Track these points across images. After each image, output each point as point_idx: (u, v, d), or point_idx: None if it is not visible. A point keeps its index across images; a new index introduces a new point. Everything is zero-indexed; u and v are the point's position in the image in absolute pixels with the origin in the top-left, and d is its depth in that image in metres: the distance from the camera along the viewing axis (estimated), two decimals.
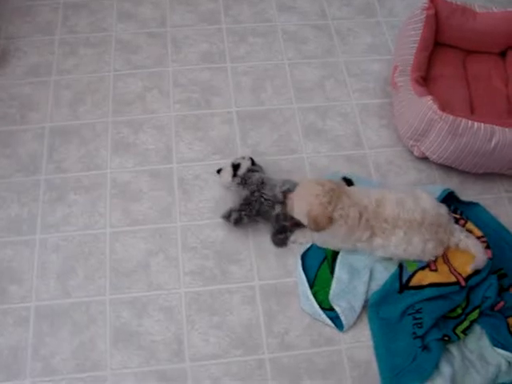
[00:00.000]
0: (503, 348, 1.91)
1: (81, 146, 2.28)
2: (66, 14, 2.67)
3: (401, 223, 1.94)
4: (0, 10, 2.65)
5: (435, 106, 2.06)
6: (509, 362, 1.91)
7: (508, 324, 1.95)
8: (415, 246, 1.95)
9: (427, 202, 2.00)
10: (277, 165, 2.25)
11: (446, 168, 2.25)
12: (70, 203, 2.15)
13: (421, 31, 2.29)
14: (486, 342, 1.94)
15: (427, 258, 1.99)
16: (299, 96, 2.44)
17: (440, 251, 2.00)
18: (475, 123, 2.04)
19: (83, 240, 2.08)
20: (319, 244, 2.07)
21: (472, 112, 2.31)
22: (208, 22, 2.64)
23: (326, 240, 2.04)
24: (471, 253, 2.00)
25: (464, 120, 2.04)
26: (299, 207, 1.94)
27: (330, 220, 1.89)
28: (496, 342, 1.93)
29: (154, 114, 2.37)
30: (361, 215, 1.92)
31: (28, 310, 1.94)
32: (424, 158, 2.26)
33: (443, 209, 2.02)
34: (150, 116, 2.36)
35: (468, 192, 2.21)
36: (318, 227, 1.91)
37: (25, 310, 1.94)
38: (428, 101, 2.08)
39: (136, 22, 2.63)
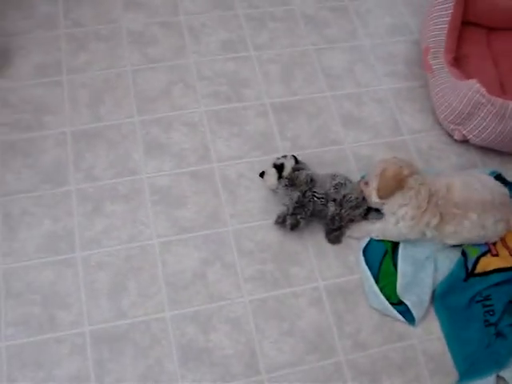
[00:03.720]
0: None
1: (108, 150, 2.10)
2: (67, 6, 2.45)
3: (473, 205, 1.91)
4: None
5: (483, 90, 2.03)
6: None
7: None
8: (489, 229, 1.93)
9: (491, 182, 2.00)
10: (320, 158, 2.16)
11: (486, 150, 2.24)
12: (108, 214, 1.98)
13: (451, 10, 2.24)
14: None
15: (494, 238, 1.99)
16: (330, 83, 2.35)
17: (505, 231, 1.99)
18: None
19: (130, 254, 1.92)
20: (380, 236, 2.00)
21: (503, 91, 2.31)
22: (222, 7, 2.48)
23: (390, 229, 1.97)
24: None
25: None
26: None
27: (401, 183, 1.87)
28: None
29: (183, 111, 2.21)
30: (431, 196, 1.90)
31: (83, 336, 1.78)
32: (463, 141, 2.24)
33: (505, 189, 2.03)
34: (179, 112, 2.20)
35: (509, 172, 2.20)
36: (387, 188, 1.88)
37: (79, 336, 1.78)
38: (475, 84, 2.05)
39: (145, 11, 2.43)
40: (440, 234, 1.95)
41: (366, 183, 1.98)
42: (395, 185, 1.90)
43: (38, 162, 2.06)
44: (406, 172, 1.90)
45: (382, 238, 2.02)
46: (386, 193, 1.92)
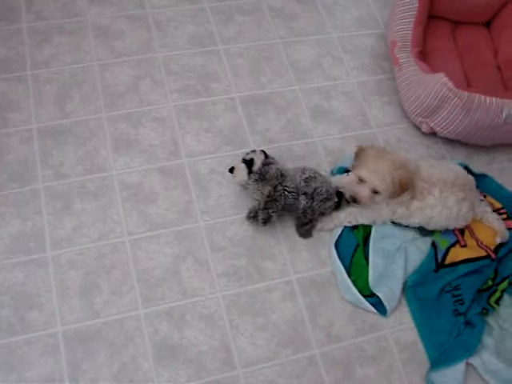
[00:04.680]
0: None
1: (77, 147, 2.06)
2: None
3: (435, 181, 1.97)
4: None
5: (450, 83, 2.06)
6: None
7: None
8: (450, 208, 1.97)
9: (457, 167, 2.07)
10: (290, 151, 2.17)
11: (452, 142, 2.29)
12: (78, 212, 1.95)
13: (417, 4, 2.27)
14: None
15: (460, 222, 2.03)
16: (299, 77, 2.35)
17: (471, 216, 2.04)
18: (487, 98, 2.08)
19: (101, 252, 1.90)
20: (353, 221, 2.02)
21: (468, 85, 2.34)
22: (189, 1, 2.45)
23: (363, 212, 2.01)
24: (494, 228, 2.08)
25: (478, 96, 2.07)
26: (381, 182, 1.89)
27: (412, 180, 1.92)
28: None
29: (152, 106, 2.18)
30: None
31: (55, 336, 1.76)
32: (430, 134, 2.28)
33: (470, 175, 2.07)
34: (148, 108, 2.18)
35: (475, 164, 2.25)
36: (404, 190, 1.90)
37: (51, 337, 1.75)
38: (442, 77, 2.08)
39: (111, 4, 2.38)
40: (407, 213, 1.99)
41: (362, 181, 1.93)
42: (410, 188, 1.93)
43: (4, 161, 2.01)
44: (415, 176, 1.94)
45: (354, 224, 2.04)
46: (400, 195, 1.94)
